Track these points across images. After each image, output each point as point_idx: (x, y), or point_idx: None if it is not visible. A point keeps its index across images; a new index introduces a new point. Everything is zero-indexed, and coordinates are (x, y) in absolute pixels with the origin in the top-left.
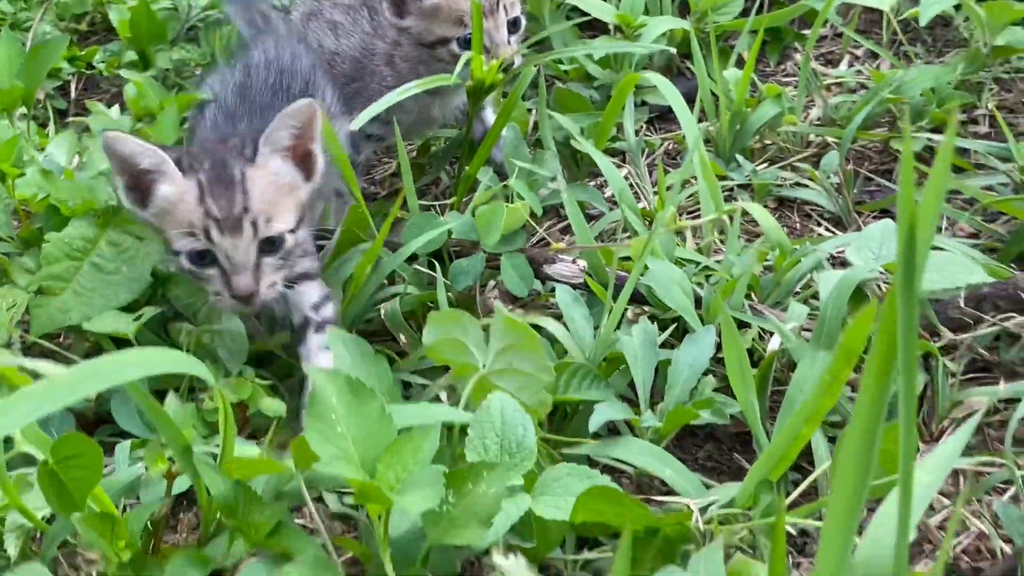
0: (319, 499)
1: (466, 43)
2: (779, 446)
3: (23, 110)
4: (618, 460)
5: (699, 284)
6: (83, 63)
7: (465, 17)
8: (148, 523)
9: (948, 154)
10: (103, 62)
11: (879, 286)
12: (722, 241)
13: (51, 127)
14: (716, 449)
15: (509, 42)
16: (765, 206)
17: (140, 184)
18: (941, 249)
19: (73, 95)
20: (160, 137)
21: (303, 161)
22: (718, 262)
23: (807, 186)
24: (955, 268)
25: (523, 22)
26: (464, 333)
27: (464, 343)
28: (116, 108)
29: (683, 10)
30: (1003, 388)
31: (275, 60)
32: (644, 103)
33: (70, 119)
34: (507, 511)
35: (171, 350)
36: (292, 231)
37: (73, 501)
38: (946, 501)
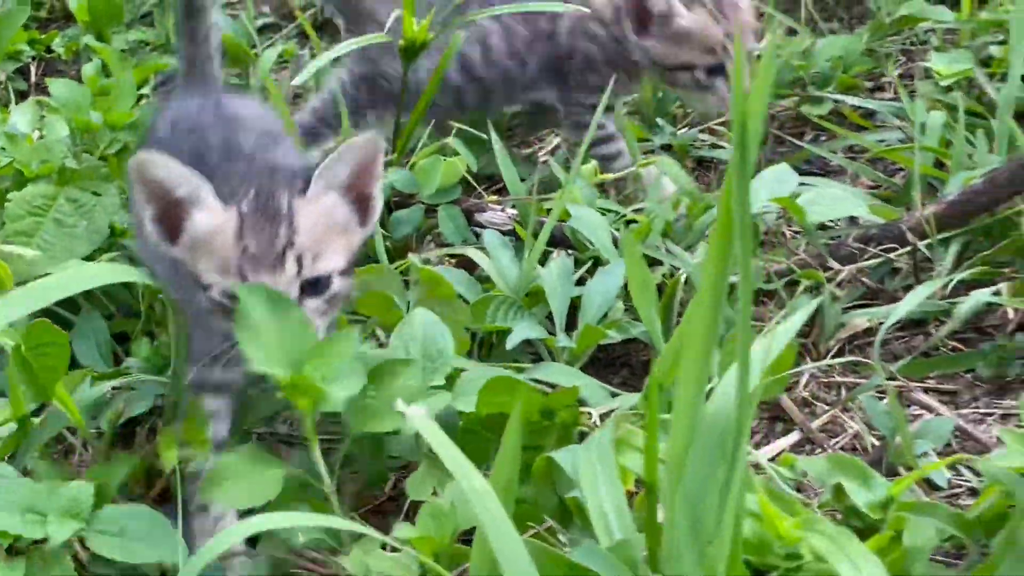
0: None
1: (711, 71)
2: (671, 350)
3: None
4: (537, 380)
5: (618, 229)
6: (42, 47)
7: (716, 46)
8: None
9: (771, 59)
10: (62, 46)
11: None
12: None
13: (12, 107)
14: (630, 375)
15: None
16: (684, 165)
17: (170, 215)
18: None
19: (33, 78)
20: (117, 105)
21: (360, 203)
22: (637, 211)
23: (723, 147)
24: (841, 202)
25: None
26: (388, 285)
27: (388, 294)
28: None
29: None
30: (879, 310)
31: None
32: None
33: (31, 99)
34: (432, 404)
35: (121, 265)
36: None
37: (44, 390)
38: (826, 407)
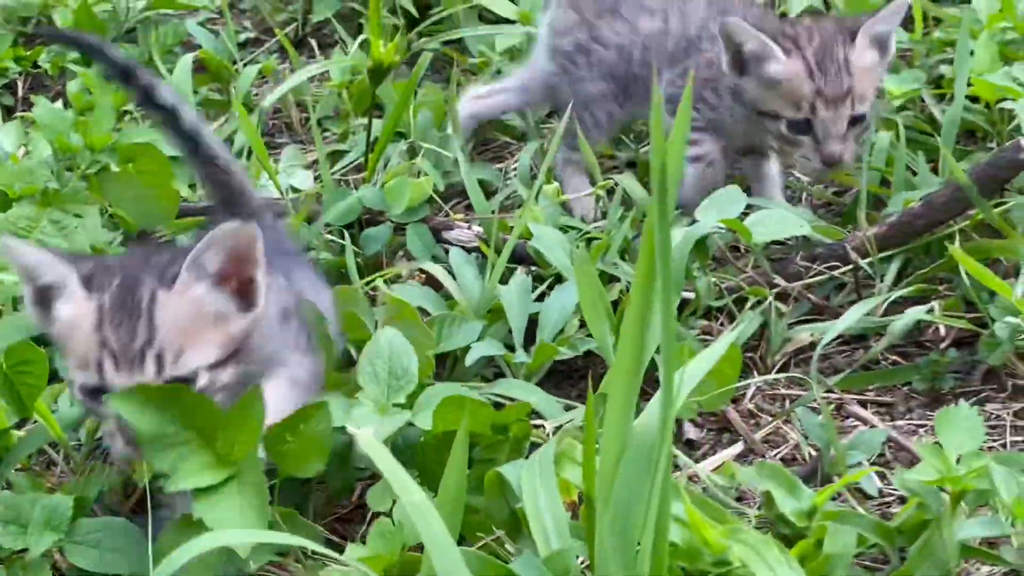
0: None
1: (796, 127)
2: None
3: None
4: (497, 395)
5: (579, 246)
6: (29, 63)
7: (803, 102)
8: None
9: (687, 106)
10: (48, 62)
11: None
12: (604, 213)
13: None
14: (589, 387)
15: (845, 138)
16: (646, 182)
17: (45, 299)
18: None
19: (20, 93)
20: (97, 128)
21: (242, 289)
22: (599, 228)
23: None
24: (785, 224)
25: (870, 120)
26: (357, 306)
27: (358, 315)
28: (60, 103)
29: None
30: (822, 326)
31: None
32: None
33: (17, 115)
34: (388, 423)
35: None
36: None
37: (24, 406)
38: (770, 418)
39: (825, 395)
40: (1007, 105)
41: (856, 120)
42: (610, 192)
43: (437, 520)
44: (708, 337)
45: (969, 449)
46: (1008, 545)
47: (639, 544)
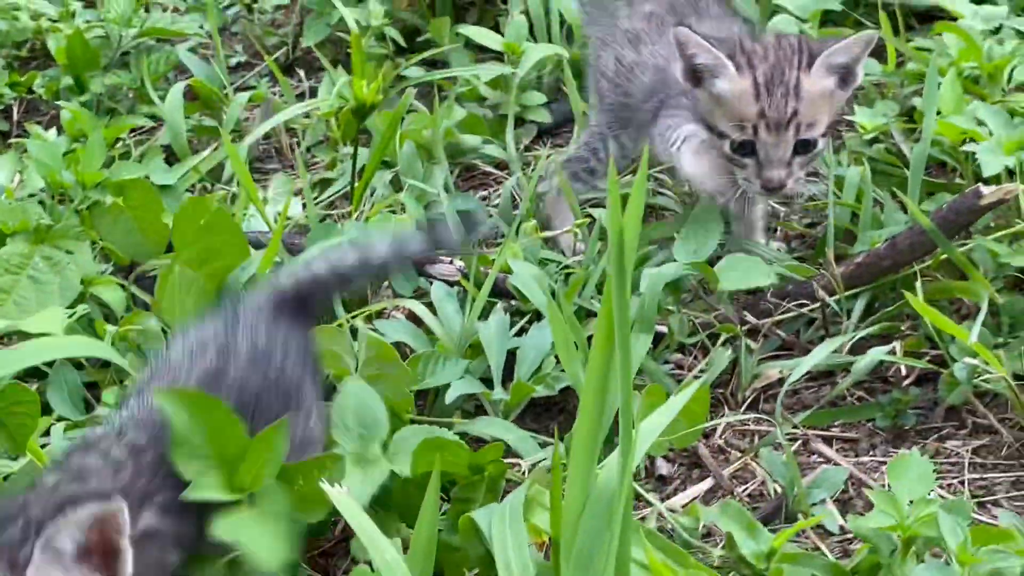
0: None
1: (740, 148)
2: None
3: None
4: (475, 433)
5: (557, 281)
6: (24, 88)
7: (746, 122)
8: None
9: (642, 182)
10: (42, 87)
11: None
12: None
13: None
14: (568, 420)
15: (790, 164)
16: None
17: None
18: (753, 254)
19: (15, 117)
20: (88, 165)
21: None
22: (579, 262)
23: (665, 194)
24: (751, 271)
25: (820, 145)
26: (339, 345)
27: (340, 353)
28: (54, 131)
29: (571, 36)
30: (791, 362)
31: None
32: (533, 121)
33: (12, 140)
34: (369, 479)
35: (87, 339)
36: None
37: (16, 445)
38: (739, 454)
39: (791, 431)
40: (970, 148)
41: (803, 146)
42: (590, 226)
43: None
44: (681, 371)
45: (919, 495)
46: None
47: None
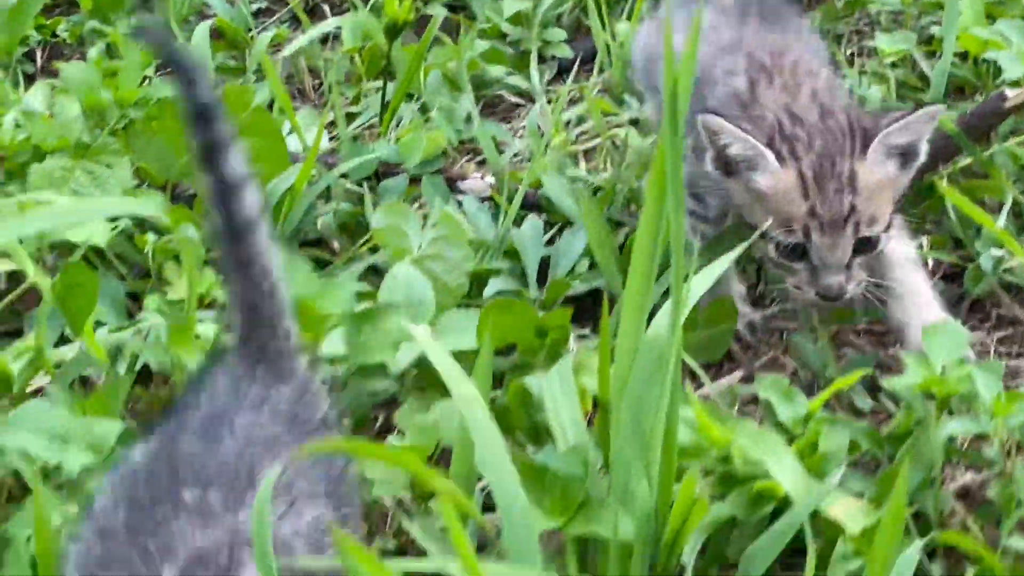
0: None
1: (788, 251)
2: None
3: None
4: None
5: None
6: (48, 32)
7: (794, 223)
8: None
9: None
10: (67, 31)
11: None
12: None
13: (21, 89)
14: (595, 327)
15: (849, 267)
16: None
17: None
18: None
19: (40, 62)
20: (125, 83)
21: None
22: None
23: None
24: None
25: (883, 242)
26: (406, 222)
27: (404, 230)
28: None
29: None
30: None
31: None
32: (554, 57)
33: (38, 82)
34: (413, 347)
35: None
36: None
37: (75, 327)
38: (768, 349)
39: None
40: (991, 55)
41: (864, 245)
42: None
43: (484, 412)
44: None
45: (953, 358)
46: (989, 445)
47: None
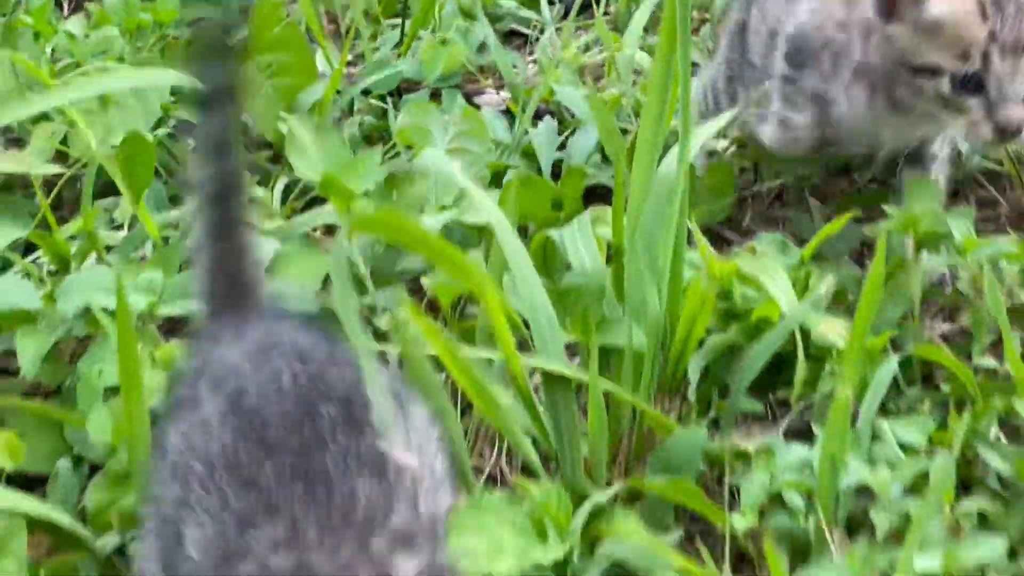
0: None
1: (963, 84)
2: None
3: None
4: None
5: None
6: None
7: (972, 50)
8: None
9: None
10: None
11: None
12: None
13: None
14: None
15: None
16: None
17: None
18: None
19: None
20: (164, 4)
21: None
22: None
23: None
24: None
25: None
26: (429, 120)
27: (428, 128)
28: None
29: None
30: None
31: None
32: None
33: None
34: (438, 217)
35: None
36: None
37: (134, 196)
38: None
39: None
40: None
41: None
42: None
43: (517, 242)
44: None
45: (930, 208)
46: (960, 280)
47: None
